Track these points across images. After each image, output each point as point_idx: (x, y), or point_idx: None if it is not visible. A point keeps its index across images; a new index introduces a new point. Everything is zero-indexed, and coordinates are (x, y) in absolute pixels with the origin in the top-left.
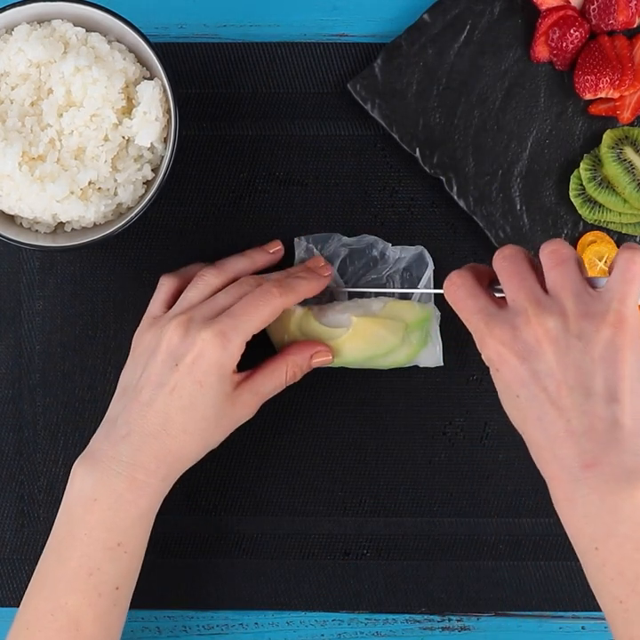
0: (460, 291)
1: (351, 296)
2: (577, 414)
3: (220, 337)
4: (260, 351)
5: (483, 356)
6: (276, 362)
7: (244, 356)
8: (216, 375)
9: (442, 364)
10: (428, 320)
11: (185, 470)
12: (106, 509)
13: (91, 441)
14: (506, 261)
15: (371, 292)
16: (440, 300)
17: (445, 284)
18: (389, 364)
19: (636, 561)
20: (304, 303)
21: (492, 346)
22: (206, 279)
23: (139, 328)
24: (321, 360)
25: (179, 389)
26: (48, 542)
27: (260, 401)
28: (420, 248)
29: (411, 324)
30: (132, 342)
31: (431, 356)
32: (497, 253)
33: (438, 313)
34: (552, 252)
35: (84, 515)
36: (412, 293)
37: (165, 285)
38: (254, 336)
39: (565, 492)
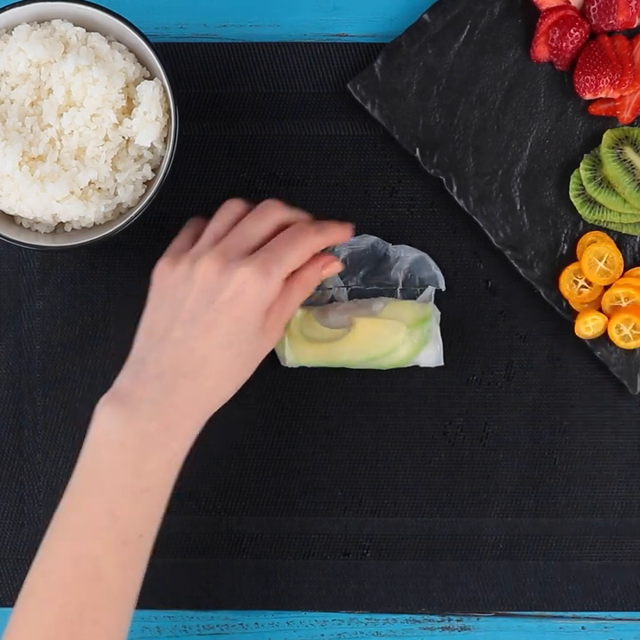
0: None
1: (351, 297)
2: None
3: (261, 272)
4: None
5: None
6: (290, 282)
7: None
8: (256, 312)
9: (442, 363)
10: (428, 320)
11: (215, 411)
12: (133, 453)
13: (115, 382)
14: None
15: (371, 293)
16: (440, 300)
17: None
18: (390, 364)
19: None
20: (304, 305)
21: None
22: (231, 208)
23: (160, 264)
24: (330, 269)
25: (215, 327)
26: (69, 486)
27: (283, 327)
28: (423, 254)
29: (411, 323)
30: (153, 277)
31: (431, 355)
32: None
33: (438, 312)
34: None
35: (109, 458)
36: (413, 294)
37: (194, 223)
38: None
39: None
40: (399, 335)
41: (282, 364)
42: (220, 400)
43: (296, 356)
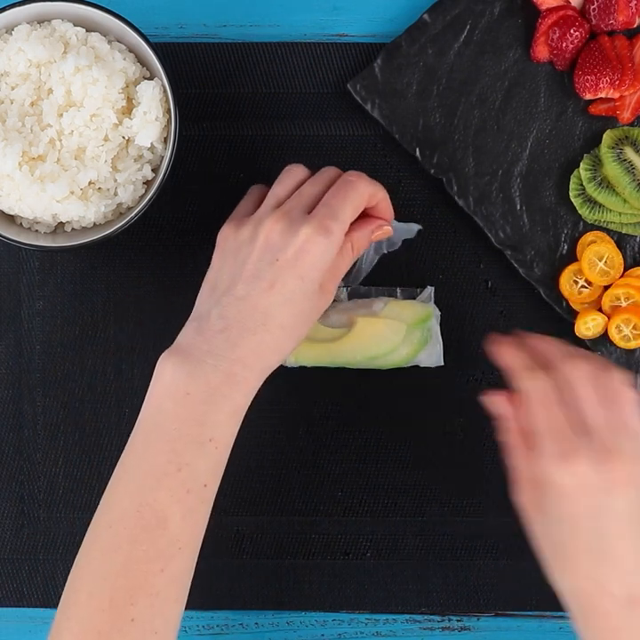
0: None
1: (351, 297)
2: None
3: (322, 230)
4: None
5: (549, 472)
6: (343, 243)
7: None
8: (317, 270)
9: (442, 363)
10: (428, 319)
11: (277, 366)
12: (199, 403)
13: (178, 337)
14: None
15: (371, 293)
16: (440, 300)
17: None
18: (390, 364)
19: None
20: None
21: (572, 473)
22: (292, 173)
23: (224, 227)
24: (381, 233)
25: (279, 284)
26: (131, 438)
27: (337, 284)
28: (415, 227)
29: (411, 323)
30: (218, 240)
31: (432, 355)
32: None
33: (438, 312)
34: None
35: (174, 408)
36: (412, 294)
37: (256, 189)
38: None
39: (612, 622)
40: (399, 335)
41: (282, 363)
42: (281, 355)
43: (296, 356)
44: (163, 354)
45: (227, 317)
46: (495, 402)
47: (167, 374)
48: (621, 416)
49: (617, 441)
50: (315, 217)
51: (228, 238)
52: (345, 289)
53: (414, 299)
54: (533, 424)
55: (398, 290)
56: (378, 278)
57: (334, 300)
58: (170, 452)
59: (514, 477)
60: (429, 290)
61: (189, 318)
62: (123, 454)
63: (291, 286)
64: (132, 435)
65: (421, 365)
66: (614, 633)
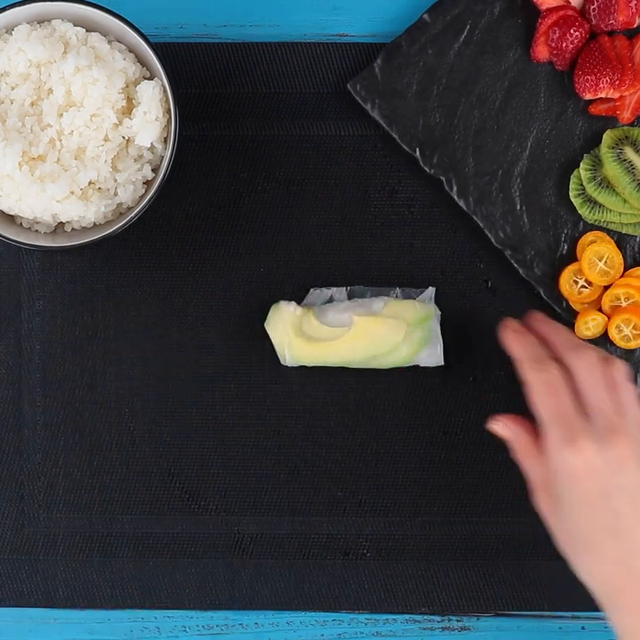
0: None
1: (351, 296)
2: None
3: None
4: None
5: (558, 459)
6: None
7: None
8: None
9: (442, 363)
10: (429, 319)
11: None
12: None
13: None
14: (542, 374)
15: (370, 293)
16: (440, 300)
17: (529, 381)
18: (390, 364)
19: None
20: (303, 304)
21: (579, 454)
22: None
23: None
24: None
25: None
26: None
27: None
28: (430, 291)
29: (412, 322)
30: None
31: (432, 355)
32: (526, 367)
33: (439, 312)
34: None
35: None
36: (412, 295)
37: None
38: (255, 333)
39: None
40: (400, 334)
41: (281, 362)
42: None
43: (296, 355)
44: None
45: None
46: (501, 427)
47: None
48: (625, 400)
49: (621, 421)
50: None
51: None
52: (344, 288)
53: (414, 299)
54: (540, 414)
55: (398, 290)
56: (378, 278)
57: (333, 300)
58: None
59: (529, 485)
60: (431, 290)
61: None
62: None
63: None
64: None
65: (422, 365)
66: None
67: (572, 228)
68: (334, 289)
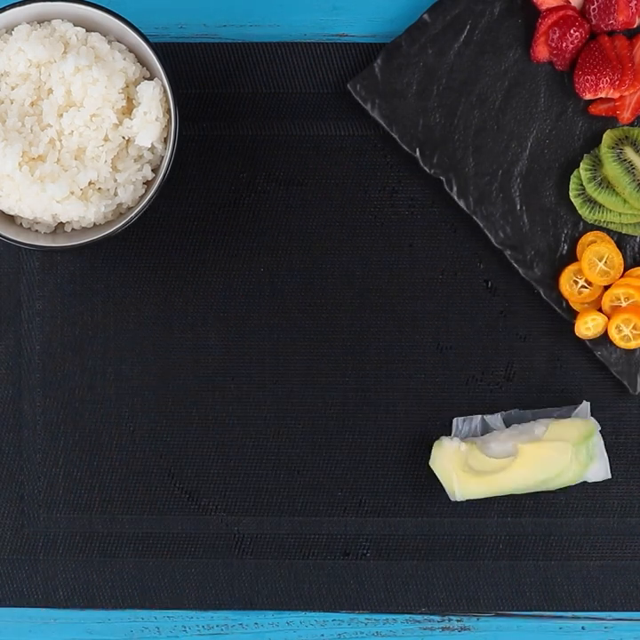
0: None
1: (508, 423)
2: None
3: None
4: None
5: None
6: None
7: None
8: None
9: (610, 476)
10: (592, 435)
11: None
12: None
13: None
14: None
15: (528, 416)
16: (440, 299)
17: None
18: (560, 485)
19: None
20: (464, 437)
21: None
22: None
23: None
24: None
25: None
26: None
27: None
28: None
29: (576, 442)
30: None
31: (599, 470)
32: None
33: (599, 426)
34: None
35: None
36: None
37: None
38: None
39: None
40: (566, 456)
41: (451, 498)
42: None
43: (465, 490)
44: None
45: None
46: None
47: None
48: None
49: None
50: None
51: None
52: (499, 414)
53: (570, 417)
54: None
55: (556, 409)
56: (379, 281)
57: (492, 429)
58: None
59: None
60: (586, 405)
61: None
62: None
63: None
64: None
65: (590, 480)
66: None
67: (571, 228)
68: (487, 417)
